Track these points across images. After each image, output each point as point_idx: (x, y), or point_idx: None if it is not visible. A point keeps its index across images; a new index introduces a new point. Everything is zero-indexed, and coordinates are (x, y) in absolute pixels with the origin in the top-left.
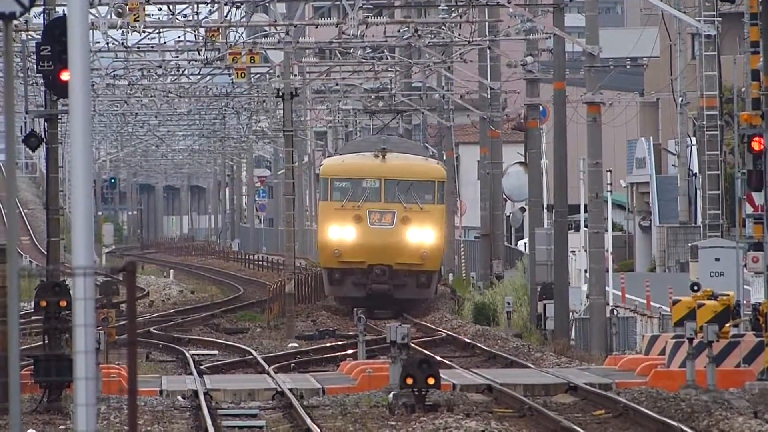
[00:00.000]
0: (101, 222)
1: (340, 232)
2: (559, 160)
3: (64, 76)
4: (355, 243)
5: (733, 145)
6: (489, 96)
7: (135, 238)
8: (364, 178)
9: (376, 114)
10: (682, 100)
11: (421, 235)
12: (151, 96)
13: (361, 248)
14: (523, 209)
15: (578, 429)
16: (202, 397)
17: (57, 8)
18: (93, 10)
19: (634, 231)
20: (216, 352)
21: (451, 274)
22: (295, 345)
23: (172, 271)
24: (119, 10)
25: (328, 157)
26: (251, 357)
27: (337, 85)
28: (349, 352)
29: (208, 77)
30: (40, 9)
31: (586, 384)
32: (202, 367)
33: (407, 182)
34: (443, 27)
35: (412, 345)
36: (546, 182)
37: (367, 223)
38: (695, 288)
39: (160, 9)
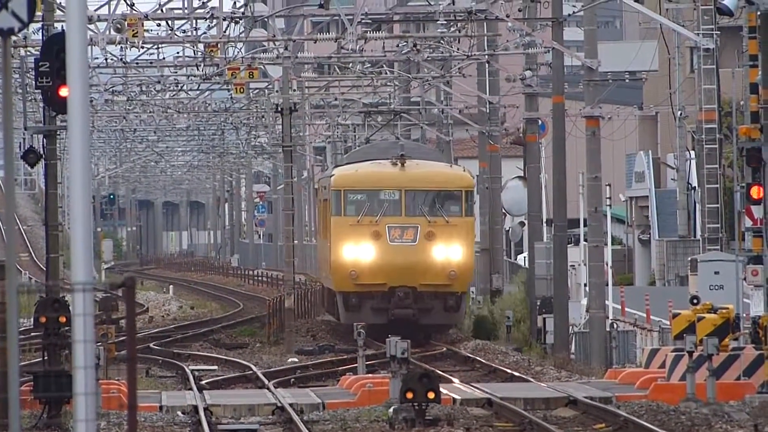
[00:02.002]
0: (100, 238)
1: (356, 251)
2: (558, 174)
3: (63, 92)
4: (374, 263)
5: (732, 158)
6: (488, 110)
7: (134, 254)
8: (383, 189)
9: (372, 116)
10: (680, 114)
11: (448, 252)
12: (150, 111)
13: (381, 269)
14: (522, 223)
15: None
16: (202, 413)
17: (56, 24)
18: (92, 26)
19: (634, 245)
20: (216, 367)
21: None
22: (295, 360)
23: (171, 286)
24: (118, 25)
25: (335, 167)
26: (251, 372)
27: (336, 99)
28: (349, 366)
29: (207, 92)
30: (39, 25)
31: (586, 398)
32: (201, 382)
33: (431, 193)
34: (442, 41)
35: (412, 359)
36: (545, 196)
37: (386, 239)
38: (695, 301)
39: (158, 24)
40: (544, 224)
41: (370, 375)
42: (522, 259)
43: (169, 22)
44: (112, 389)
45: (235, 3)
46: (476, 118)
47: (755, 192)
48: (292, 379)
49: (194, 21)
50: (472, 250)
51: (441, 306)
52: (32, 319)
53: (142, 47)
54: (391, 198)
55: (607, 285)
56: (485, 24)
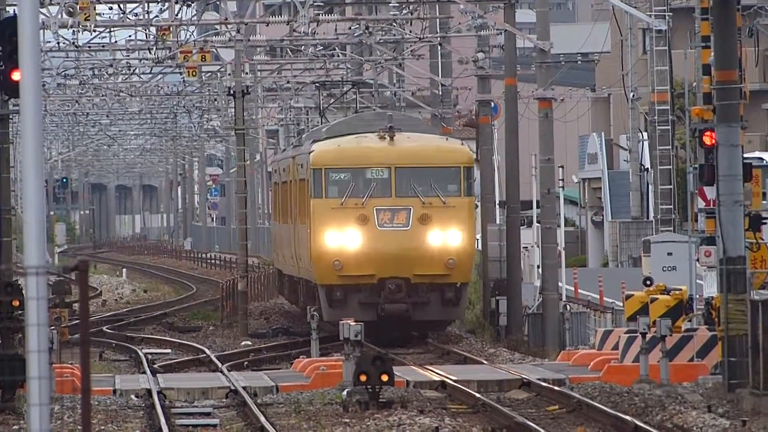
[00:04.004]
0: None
1: (340, 238)
2: (510, 156)
3: (15, 75)
4: (361, 251)
5: (685, 139)
6: (440, 92)
7: (87, 238)
8: (369, 167)
9: (326, 87)
10: (633, 96)
11: (446, 237)
12: (103, 95)
13: (369, 258)
14: (475, 205)
15: (532, 425)
16: (155, 396)
17: (7, 8)
18: (44, 10)
19: (587, 226)
20: (169, 350)
21: None
22: (249, 343)
23: (124, 270)
24: (70, 9)
25: (313, 142)
26: (204, 355)
27: (288, 82)
28: (303, 349)
29: (159, 76)
30: None
31: (539, 379)
32: (155, 366)
33: (425, 170)
34: (394, 24)
35: (365, 342)
36: (498, 178)
37: (374, 224)
38: (648, 283)
39: (110, 8)
40: (497, 206)
41: (323, 358)
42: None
43: (121, 5)
44: (65, 373)
45: None
46: (429, 100)
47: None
48: (246, 363)
49: (146, 4)
50: (473, 235)
51: (438, 299)
52: None
53: (94, 31)
54: (380, 177)
55: (560, 267)
56: (437, 6)
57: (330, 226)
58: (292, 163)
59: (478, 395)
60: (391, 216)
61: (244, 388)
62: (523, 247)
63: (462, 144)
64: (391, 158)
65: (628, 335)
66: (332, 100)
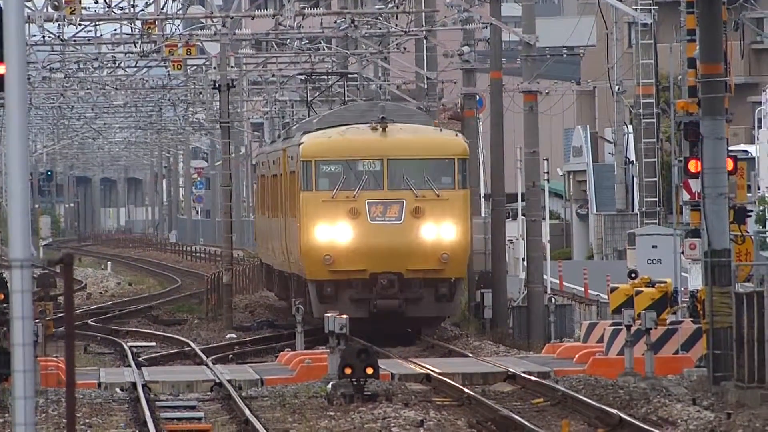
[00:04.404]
0: (38, 215)
1: (331, 233)
2: (496, 149)
3: (0, 69)
4: (352, 246)
5: (670, 132)
6: (426, 86)
7: (72, 231)
8: (361, 159)
9: (314, 78)
10: (618, 89)
11: (440, 231)
12: (88, 89)
13: (360, 252)
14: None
15: (517, 417)
16: (140, 389)
17: None
18: (29, 3)
19: (572, 219)
20: (154, 343)
21: None
22: (233, 336)
23: (109, 263)
24: (55, 3)
25: (303, 133)
26: (189, 348)
27: (273, 76)
28: (288, 342)
29: (145, 69)
30: None
31: (524, 372)
32: (140, 359)
33: (418, 162)
34: (380, 17)
35: (350, 335)
36: (483, 171)
37: (366, 218)
38: (633, 275)
39: (96, 2)
40: (482, 199)
41: (308, 351)
42: None
43: None
44: (50, 366)
45: None
46: (414, 93)
47: (693, 166)
48: (231, 356)
49: None
50: (468, 229)
51: (432, 295)
52: None
53: (80, 24)
54: (372, 169)
55: (545, 259)
56: (423, 0)
57: (320, 220)
58: (282, 155)
59: (463, 388)
60: (384, 209)
61: (229, 381)
62: (508, 240)
63: (457, 135)
64: (383, 150)
65: (613, 328)
66: (317, 94)
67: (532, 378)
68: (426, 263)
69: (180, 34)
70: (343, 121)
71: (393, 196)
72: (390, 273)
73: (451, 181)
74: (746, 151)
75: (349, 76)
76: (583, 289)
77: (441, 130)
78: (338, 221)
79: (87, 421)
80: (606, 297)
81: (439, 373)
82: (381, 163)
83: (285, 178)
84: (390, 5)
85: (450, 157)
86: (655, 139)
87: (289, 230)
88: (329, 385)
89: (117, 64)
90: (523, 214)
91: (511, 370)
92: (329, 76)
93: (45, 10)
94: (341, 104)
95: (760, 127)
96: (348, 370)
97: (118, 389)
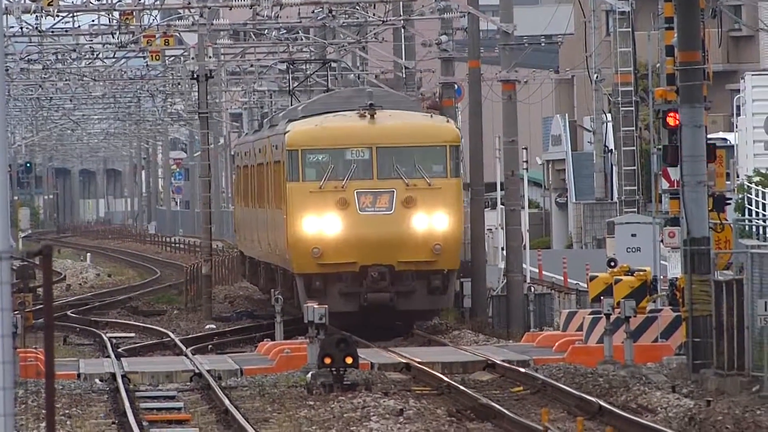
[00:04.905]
0: (17, 206)
1: (319, 224)
2: (474, 138)
3: None
4: (341, 238)
5: (649, 120)
6: (404, 75)
7: (51, 222)
8: (349, 147)
9: (296, 66)
10: (597, 77)
11: (432, 221)
12: (66, 80)
13: (350, 244)
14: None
15: (496, 406)
16: (120, 380)
17: None
18: None
19: (551, 208)
20: (133, 334)
21: None
22: (213, 326)
23: (89, 254)
24: None
25: (288, 121)
26: (169, 339)
27: (251, 66)
28: (267, 332)
29: (123, 60)
30: None
31: (504, 361)
32: (119, 350)
33: (409, 149)
34: (357, 7)
35: (329, 325)
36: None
37: (355, 208)
38: (612, 264)
39: None
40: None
41: (287, 341)
42: None
43: None
44: (29, 357)
45: None
46: (392, 83)
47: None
48: (210, 346)
49: None
50: (461, 218)
51: (424, 288)
52: None
53: (58, 15)
54: (360, 157)
55: (525, 248)
56: None
57: (308, 211)
58: (267, 143)
59: (442, 377)
60: (373, 199)
61: (208, 371)
62: (488, 229)
63: (448, 121)
64: (372, 137)
65: (592, 316)
66: (296, 84)
67: (512, 366)
68: (418, 255)
69: (158, 25)
70: (329, 109)
71: (383, 186)
72: (381, 265)
73: (443, 169)
74: (725, 139)
75: (332, 64)
76: (562, 278)
77: (432, 116)
78: (326, 212)
79: (66, 411)
80: (585, 285)
81: (419, 362)
82: (370, 152)
83: (270, 167)
84: None
85: (441, 144)
86: (633, 128)
87: (275, 222)
88: (309, 375)
89: (95, 55)
90: (502, 204)
91: (490, 358)
92: (310, 65)
93: (23, 1)
94: (323, 92)
95: (738, 114)
96: (327, 360)
97: (97, 380)
